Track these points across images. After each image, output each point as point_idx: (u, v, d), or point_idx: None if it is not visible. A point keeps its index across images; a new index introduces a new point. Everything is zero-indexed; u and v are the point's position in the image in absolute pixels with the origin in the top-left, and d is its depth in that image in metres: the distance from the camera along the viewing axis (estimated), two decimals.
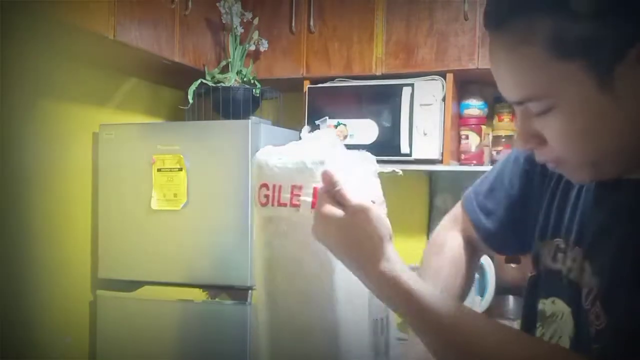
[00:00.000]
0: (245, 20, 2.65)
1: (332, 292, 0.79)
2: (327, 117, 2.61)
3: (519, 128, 0.72)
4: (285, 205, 0.79)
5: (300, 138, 0.85)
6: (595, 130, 0.66)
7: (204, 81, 2.53)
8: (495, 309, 2.45)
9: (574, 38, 0.63)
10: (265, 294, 0.85)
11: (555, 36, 0.63)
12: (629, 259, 0.68)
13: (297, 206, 0.78)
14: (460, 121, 2.65)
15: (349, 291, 0.79)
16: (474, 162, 2.60)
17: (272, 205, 0.80)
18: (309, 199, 0.78)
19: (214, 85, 2.55)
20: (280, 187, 0.79)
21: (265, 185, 0.81)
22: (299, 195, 0.78)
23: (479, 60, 2.44)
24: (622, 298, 0.68)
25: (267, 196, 0.80)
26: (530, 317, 0.87)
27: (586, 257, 0.76)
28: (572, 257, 0.78)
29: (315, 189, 0.77)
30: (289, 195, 0.79)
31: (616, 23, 0.62)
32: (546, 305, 0.83)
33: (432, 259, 1.02)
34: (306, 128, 0.85)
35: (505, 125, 2.59)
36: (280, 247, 0.81)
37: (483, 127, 2.64)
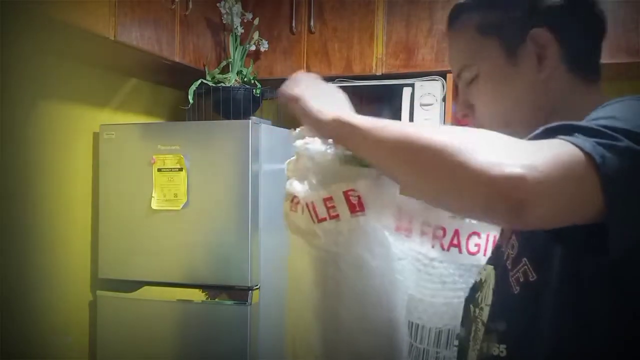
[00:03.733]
0: (245, 21, 2.66)
1: (390, 314, 0.78)
2: None
3: (458, 98, 0.93)
4: (325, 219, 0.76)
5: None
6: (502, 96, 0.86)
7: (204, 81, 2.53)
8: None
9: (491, 22, 0.86)
10: (321, 321, 0.81)
11: (481, 22, 0.87)
12: None
13: (336, 217, 0.76)
14: (460, 121, 2.65)
15: (401, 313, 0.78)
16: None
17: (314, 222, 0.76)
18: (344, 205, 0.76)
19: (214, 85, 2.55)
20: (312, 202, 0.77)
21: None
22: (334, 207, 0.76)
23: None
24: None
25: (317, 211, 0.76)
26: (473, 289, 0.96)
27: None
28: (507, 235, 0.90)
29: (345, 192, 0.75)
30: (324, 209, 0.76)
31: (515, 15, 0.84)
32: (481, 275, 0.93)
33: None
34: (297, 134, 0.82)
35: None
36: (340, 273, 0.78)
37: None
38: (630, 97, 0.74)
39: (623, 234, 0.63)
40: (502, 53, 0.85)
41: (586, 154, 0.61)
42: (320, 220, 0.76)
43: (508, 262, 0.85)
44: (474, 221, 0.71)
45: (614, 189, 0.61)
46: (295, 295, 0.84)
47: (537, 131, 0.68)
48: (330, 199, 0.75)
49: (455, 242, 0.74)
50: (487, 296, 0.90)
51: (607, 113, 0.70)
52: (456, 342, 0.88)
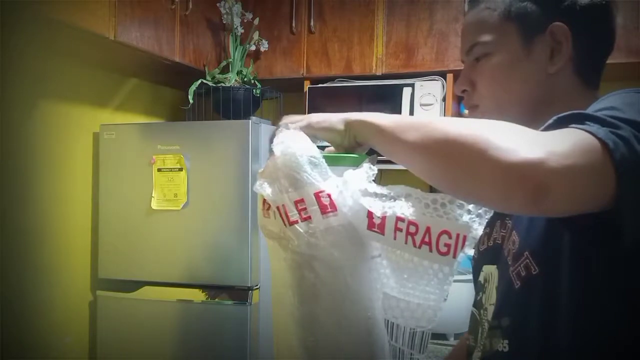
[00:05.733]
0: (245, 21, 2.66)
1: (368, 313, 0.78)
2: None
3: (461, 74, 0.95)
4: (296, 222, 0.76)
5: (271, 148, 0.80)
6: (510, 79, 0.89)
7: (204, 81, 2.53)
8: None
9: (517, 8, 0.89)
10: (300, 325, 0.81)
11: (507, 6, 0.90)
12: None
13: (308, 219, 0.76)
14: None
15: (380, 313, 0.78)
16: None
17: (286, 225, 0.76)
18: (316, 207, 0.76)
19: (214, 85, 2.55)
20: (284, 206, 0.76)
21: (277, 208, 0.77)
22: (305, 209, 0.76)
23: None
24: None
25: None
26: (476, 290, 0.99)
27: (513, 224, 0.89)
28: (498, 226, 0.94)
29: (315, 193, 0.75)
30: (296, 211, 0.76)
31: (542, 5, 0.88)
32: (484, 273, 0.96)
33: None
34: (273, 134, 0.81)
35: None
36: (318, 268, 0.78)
37: None
38: (625, 90, 0.75)
39: (637, 219, 0.64)
40: (519, 39, 0.89)
41: (600, 140, 0.62)
42: (292, 223, 0.76)
43: (509, 257, 0.87)
44: (446, 217, 0.70)
45: (627, 175, 0.62)
46: (276, 301, 0.85)
47: (549, 121, 0.69)
48: (301, 201, 0.75)
49: (426, 239, 0.72)
50: (490, 295, 0.92)
51: (607, 104, 0.70)
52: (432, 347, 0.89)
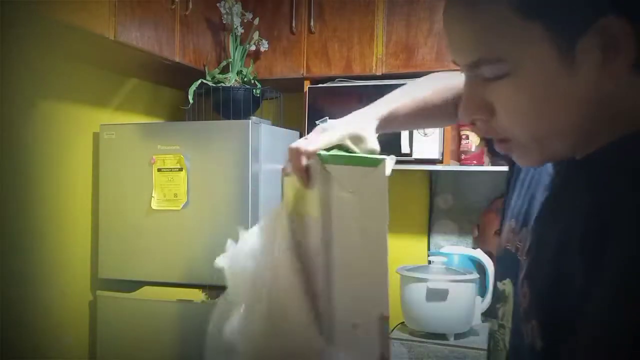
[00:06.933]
0: (245, 21, 2.65)
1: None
2: (327, 117, 2.60)
3: (466, 96, 0.67)
4: None
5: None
6: (549, 103, 0.62)
7: (204, 81, 2.53)
8: None
9: (539, 1, 0.60)
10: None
11: (524, 1, 0.60)
12: (553, 239, 0.66)
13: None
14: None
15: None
16: (475, 162, 2.60)
17: None
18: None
19: (214, 85, 2.55)
20: None
21: None
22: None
23: None
24: (542, 276, 0.67)
25: None
26: (495, 297, 0.87)
27: (530, 237, 0.74)
28: (520, 238, 0.77)
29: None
30: None
31: None
32: (504, 285, 0.82)
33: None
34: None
35: None
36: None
37: None
38: None
39: None
40: (554, 48, 0.60)
41: None
42: None
43: (520, 307, 0.71)
44: None
45: None
46: None
47: None
48: None
49: None
50: (508, 314, 0.79)
51: None
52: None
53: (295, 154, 0.81)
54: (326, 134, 0.84)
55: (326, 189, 0.76)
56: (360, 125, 0.90)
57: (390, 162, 0.80)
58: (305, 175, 0.81)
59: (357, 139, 0.86)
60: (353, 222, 0.76)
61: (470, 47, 0.64)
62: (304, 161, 0.81)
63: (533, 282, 0.69)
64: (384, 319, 0.77)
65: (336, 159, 0.77)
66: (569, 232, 0.64)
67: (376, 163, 0.79)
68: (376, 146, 0.87)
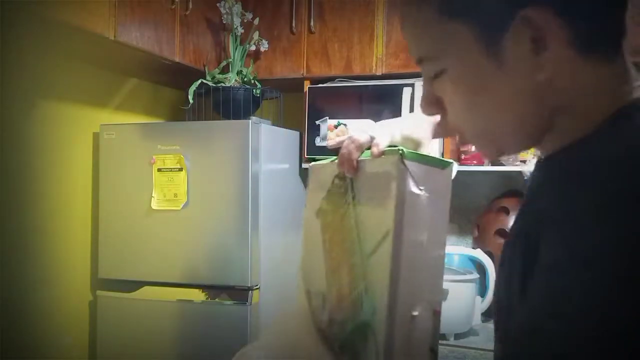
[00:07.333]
0: (245, 21, 2.65)
1: None
2: (327, 117, 2.61)
3: (423, 92, 0.70)
4: None
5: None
6: (484, 97, 0.63)
7: (204, 81, 2.53)
8: None
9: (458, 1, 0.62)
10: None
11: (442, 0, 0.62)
12: (513, 239, 0.68)
13: None
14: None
15: None
16: (474, 162, 2.60)
17: None
18: None
19: (214, 85, 2.55)
20: None
21: None
22: None
23: None
24: (499, 281, 0.69)
25: None
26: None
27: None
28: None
29: None
30: None
31: None
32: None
33: None
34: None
35: None
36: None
37: None
38: None
39: None
40: (477, 44, 0.61)
41: None
42: None
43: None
44: None
45: None
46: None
47: None
48: None
49: None
50: None
51: None
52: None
53: (357, 145, 0.78)
54: (386, 132, 0.83)
55: (400, 183, 0.77)
56: (417, 130, 0.91)
57: (456, 166, 0.83)
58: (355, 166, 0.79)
59: (415, 143, 0.89)
60: (422, 218, 0.78)
61: (412, 46, 0.67)
62: (357, 155, 0.79)
63: (496, 287, 0.72)
64: (436, 314, 0.79)
65: (415, 156, 0.79)
66: (519, 235, 0.65)
67: (446, 165, 0.82)
68: (432, 150, 0.89)
